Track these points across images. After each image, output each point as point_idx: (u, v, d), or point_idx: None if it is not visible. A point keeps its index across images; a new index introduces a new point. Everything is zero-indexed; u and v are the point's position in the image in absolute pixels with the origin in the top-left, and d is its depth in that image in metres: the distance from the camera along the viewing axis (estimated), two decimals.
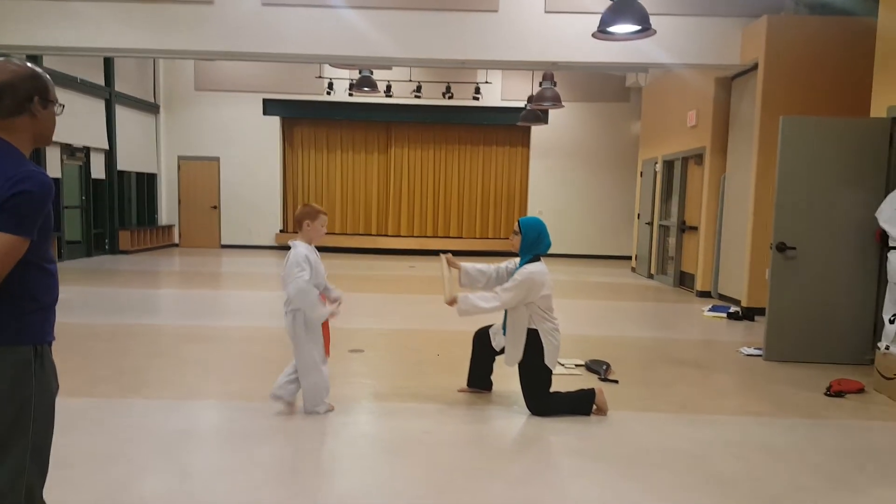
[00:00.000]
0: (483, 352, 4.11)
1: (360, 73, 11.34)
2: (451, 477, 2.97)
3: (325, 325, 3.71)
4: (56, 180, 11.19)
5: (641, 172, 11.87)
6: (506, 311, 3.90)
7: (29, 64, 1.92)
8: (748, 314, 7.40)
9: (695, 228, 9.52)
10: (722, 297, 8.66)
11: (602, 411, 3.85)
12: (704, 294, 9.02)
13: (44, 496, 2.00)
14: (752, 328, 6.88)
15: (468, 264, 4.11)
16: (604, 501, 2.77)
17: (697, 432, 3.66)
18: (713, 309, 7.77)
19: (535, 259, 3.84)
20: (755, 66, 7.56)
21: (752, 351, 5.67)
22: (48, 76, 1.94)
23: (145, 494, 2.69)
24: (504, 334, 3.91)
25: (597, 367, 4.85)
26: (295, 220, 3.80)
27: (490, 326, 4.12)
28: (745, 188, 7.86)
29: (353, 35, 7.86)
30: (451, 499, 2.75)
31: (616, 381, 4.60)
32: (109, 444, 3.24)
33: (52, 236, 1.93)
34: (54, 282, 1.94)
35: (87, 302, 7.50)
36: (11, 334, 1.82)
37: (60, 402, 3.69)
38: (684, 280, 9.94)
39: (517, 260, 3.92)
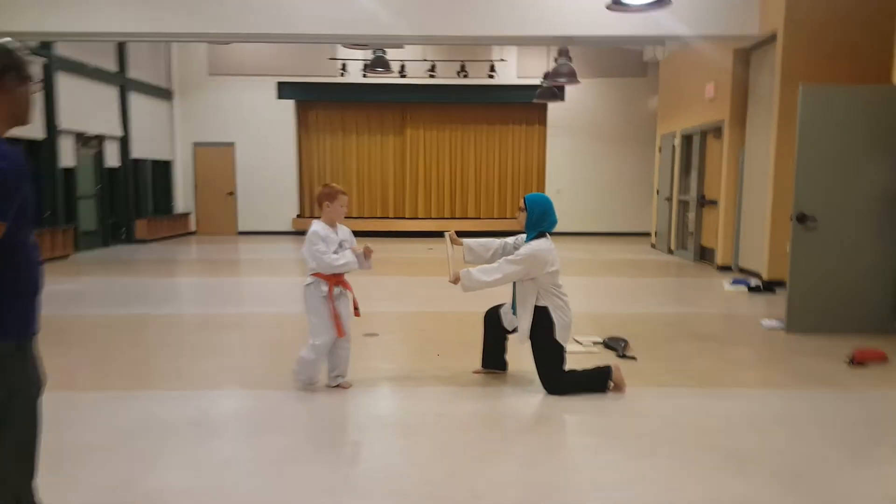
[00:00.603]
0: (494, 332, 4.09)
1: (373, 53, 11.22)
2: (464, 459, 2.96)
3: (336, 313, 3.76)
4: (70, 170, 11.02)
5: (660, 147, 11.69)
6: (514, 290, 3.87)
7: (3, 39, 1.85)
8: (769, 287, 7.29)
9: (714, 202, 9.36)
10: (742, 270, 8.54)
11: (619, 388, 3.81)
12: (725, 268, 8.90)
13: (41, 495, 1.93)
14: (773, 301, 6.78)
15: (471, 240, 4.06)
16: (620, 480, 2.75)
17: (717, 407, 3.61)
18: (734, 283, 7.66)
19: (541, 236, 3.78)
20: (774, 37, 7.35)
21: (773, 324, 5.58)
22: (25, 53, 1.86)
23: (150, 490, 2.64)
24: (514, 314, 3.88)
25: (615, 345, 4.81)
26: (316, 202, 3.82)
27: (500, 306, 4.09)
28: (764, 160, 7.70)
29: (364, 14, 7.76)
30: (464, 481, 2.74)
31: (634, 358, 4.56)
32: (116, 437, 3.19)
33: (31, 219, 1.83)
34: (37, 270, 1.85)
35: (101, 293, 7.50)
36: None
37: (69, 397, 3.81)
38: (704, 255, 9.81)
39: (524, 236, 3.88)
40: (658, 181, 11.78)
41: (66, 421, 3.38)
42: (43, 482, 2.58)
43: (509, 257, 3.75)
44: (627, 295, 7.33)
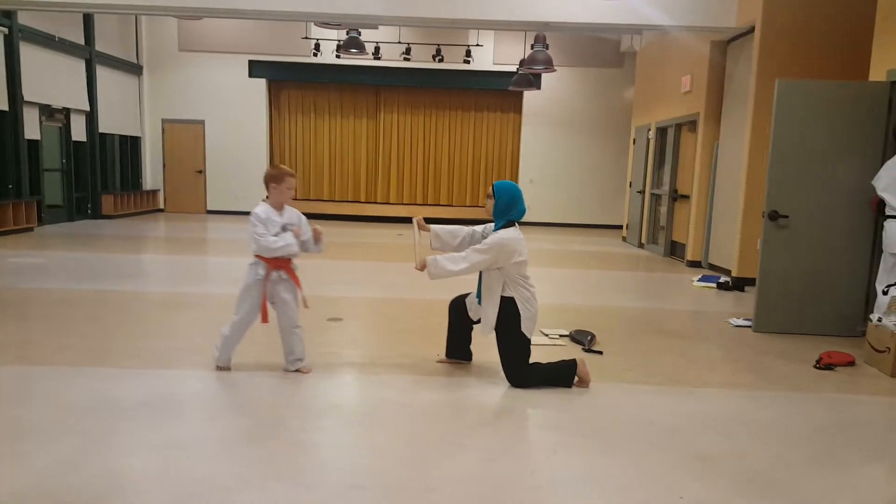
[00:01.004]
0: (459, 321, 3.97)
1: (347, 33, 10.97)
2: (424, 451, 2.85)
3: (263, 302, 3.69)
4: (35, 142, 10.90)
5: (634, 140, 11.66)
6: (479, 280, 3.76)
7: None
8: (738, 284, 7.30)
9: (686, 197, 9.36)
10: (712, 266, 8.56)
11: (584, 383, 3.73)
12: (695, 264, 8.91)
13: None
14: (741, 299, 6.78)
15: (438, 227, 3.96)
16: (580, 477, 2.66)
17: (681, 405, 3.55)
18: (703, 279, 7.66)
19: (510, 225, 3.67)
20: (752, 30, 7.31)
21: (741, 322, 5.56)
22: None
23: (96, 472, 2.54)
24: (479, 303, 3.77)
25: (581, 338, 4.73)
26: (263, 183, 3.71)
27: (467, 295, 3.97)
28: (738, 155, 7.68)
29: None
30: (420, 473, 2.64)
31: (600, 353, 4.49)
32: (65, 416, 3.09)
33: None
34: None
35: (63, 267, 7.34)
36: None
37: (22, 371, 3.68)
38: (675, 250, 9.83)
39: (493, 225, 3.76)
40: (631, 174, 11.76)
41: (17, 396, 3.35)
42: None
43: (477, 246, 3.63)
44: (595, 288, 7.28)
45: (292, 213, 3.79)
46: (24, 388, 3.45)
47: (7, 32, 10.08)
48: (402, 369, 3.98)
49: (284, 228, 3.69)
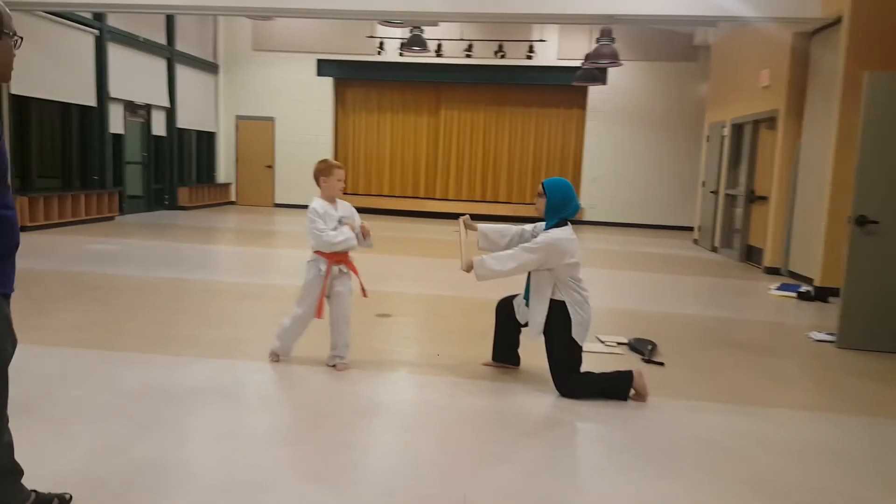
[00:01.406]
0: (507, 323, 3.78)
1: (410, 32, 10.94)
2: (461, 459, 2.70)
3: (321, 293, 3.65)
4: (119, 136, 11.49)
5: (708, 137, 11.09)
6: (528, 281, 3.56)
7: None
8: (821, 295, 6.75)
9: (765, 199, 8.79)
10: (793, 274, 7.98)
11: (641, 396, 3.47)
12: (773, 271, 8.35)
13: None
14: (824, 310, 6.27)
15: (486, 226, 3.79)
16: (630, 502, 2.44)
17: (750, 427, 3.23)
18: (782, 287, 7.15)
19: (562, 224, 3.46)
20: (839, 20, 6.76)
21: (823, 336, 5.11)
22: (4, 7, 1.75)
23: (135, 459, 2.56)
24: (527, 305, 3.57)
25: (641, 347, 4.44)
26: (313, 178, 3.69)
27: (515, 296, 3.78)
28: (823, 155, 7.13)
29: None
30: (457, 484, 2.48)
31: (662, 364, 4.20)
32: (117, 400, 3.15)
33: (5, 180, 1.74)
34: (10, 229, 1.76)
35: (136, 254, 7.69)
36: None
37: (82, 353, 3.77)
38: (751, 255, 9.25)
39: (543, 223, 3.56)
40: (704, 173, 11.19)
41: (76, 377, 3.46)
42: (36, 438, 2.66)
43: (525, 245, 3.44)
44: (661, 293, 6.89)
45: (345, 207, 3.77)
46: (83, 370, 3.57)
47: (98, 34, 10.65)
48: (447, 370, 3.83)
49: (340, 222, 3.66)
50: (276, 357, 3.81)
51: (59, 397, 3.16)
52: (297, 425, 3.01)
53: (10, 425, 1.94)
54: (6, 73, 1.77)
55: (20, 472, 1.97)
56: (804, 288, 7.01)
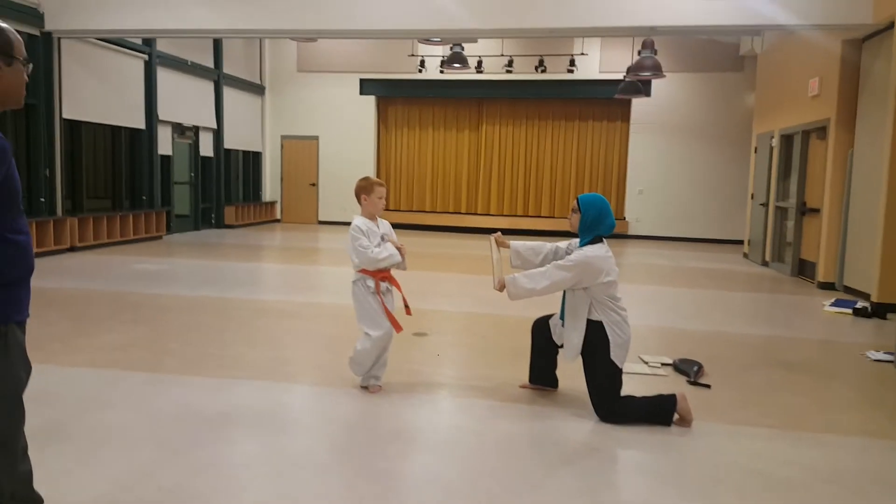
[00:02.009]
0: (543, 345, 3.70)
1: (450, 49, 11.02)
2: (494, 488, 2.63)
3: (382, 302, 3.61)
4: (167, 157, 11.85)
5: (756, 148, 10.78)
6: (563, 300, 3.49)
7: None
8: (879, 311, 6.44)
9: (817, 211, 8.47)
10: (848, 289, 7.64)
11: (685, 421, 3.34)
12: (827, 286, 8.01)
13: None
14: (882, 328, 5.97)
15: (519, 243, 3.71)
16: None
17: (802, 455, 3.08)
18: (836, 303, 6.86)
19: (597, 240, 3.38)
20: (891, 25, 6.49)
21: (881, 356, 4.86)
22: (14, 32, 1.77)
23: (163, 486, 2.56)
24: (563, 326, 3.50)
25: (687, 368, 4.29)
26: (354, 196, 3.71)
27: (551, 316, 3.71)
28: (877, 165, 6.83)
29: (437, 8, 7.64)
30: None
31: (708, 386, 4.05)
32: (150, 424, 3.18)
33: (18, 204, 1.75)
34: (23, 255, 1.76)
35: (182, 273, 7.90)
36: None
37: (118, 375, 3.86)
38: (804, 269, 8.92)
39: (578, 240, 3.49)
40: (753, 185, 10.87)
41: (111, 400, 3.49)
42: (65, 465, 2.67)
43: (559, 262, 3.37)
44: (709, 310, 6.68)
45: (385, 224, 3.77)
46: (121, 392, 3.62)
47: (147, 59, 11.08)
48: (482, 393, 3.78)
49: (383, 239, 3.67)
50: (375, 388, 3.69)
51: (93, 421, 3.19)
52: (330, 450, 2.99)
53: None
54: (18, 98, 1.79)
55: (39, 502, 1.95)
56: (860, 304, 6.71)
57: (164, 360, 4.23)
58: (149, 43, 11.04)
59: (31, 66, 1.84)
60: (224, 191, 13.70)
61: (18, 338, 1.78)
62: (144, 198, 11.25)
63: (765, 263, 10.10)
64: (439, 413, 3.54)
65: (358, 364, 3.70)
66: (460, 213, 14.75)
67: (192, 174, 12.86)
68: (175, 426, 3.17)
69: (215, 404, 3.47)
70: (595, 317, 3.35)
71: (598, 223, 3.37)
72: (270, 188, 15.53)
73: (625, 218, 13.67)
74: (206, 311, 5.72)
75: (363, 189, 3.68)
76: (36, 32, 8.61)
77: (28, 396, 1.85)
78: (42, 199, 8.98)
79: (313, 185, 15.22)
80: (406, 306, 3.79)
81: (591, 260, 3.29)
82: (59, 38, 8.95)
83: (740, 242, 12.04)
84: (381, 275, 3.65)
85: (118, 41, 10.27)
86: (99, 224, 9.83)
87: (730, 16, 6.81)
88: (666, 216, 13.59)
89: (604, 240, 3.41)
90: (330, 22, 8.03)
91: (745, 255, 11.06)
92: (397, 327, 3.63)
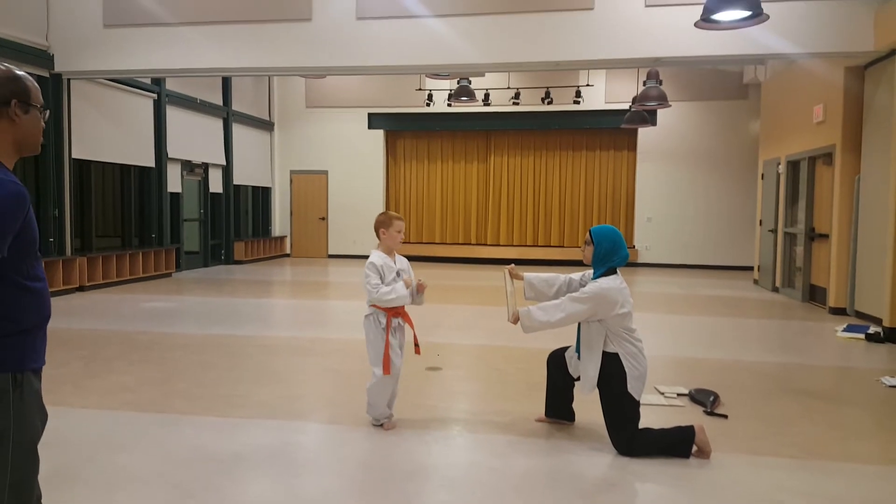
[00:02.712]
0: (559, 377, 3.69)
1: (457, 83, 11.21)
2: None
3: (386, 347, 3.59)
4: (176, 194, 11.95)
5: (762, 175, 10.83)
6: (578, 332, 3.49)
7: (8, 66, 1.79)
8: (892, 336, 6.40)
9: (825, 236, 8.47)
10: (859, 314, 7.60)
11: (704, 453, 3.31)
12: (838, 311, 7.97)
13: None
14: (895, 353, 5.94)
15: (532, 275, 3.72)
16: None
17: (825, 485, 3.04)
18: (848, 329, 6.81)
19: (611, 272, 3.40)
20: (893, 52, 6.57)
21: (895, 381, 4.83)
22: (31, 80, 1.82)
23: None
24: (578, 358, 3.50)
25: (703, 398, 4.27)
26: (374, 230, 3.72)
27: (566, 349, 3.71)
28: (884, 189, 6.85)
29: (444, 44, 7.75)
30: None
31: (725, 416, 4.02)
32: (164, 466, 3.17)
33: (35, 251, 1.77)
34: (40, 302, 1.77)
35: (191, 311, 7.87)
36: None
37: (130, 417, 3.86)
38: (814, 294, 8.88)
39: (591, 272, 3.51)
40: (761, 211, 10.88)
41: (123, 442, 3.48)
42: None
43: (574, 294, 3.38)
44: (721, 338, 6.65)
45: (402, 261, 3.78)
46: (132, 434, 3.60)
47: (156, 98, 11.29)
48: (498, 428, 3.76)
49: (398, 275, 3.67)
50: (390, 425, 3.68)
51: (104, 464, 3.17)
52: (347, 491, 2.97)
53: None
54: (35, 145, 1.82)
55: None
56: (872, 329, 6.66)
57: (174, 401, 4.21)
58: (158, 82, 11.22)
59: (48, 112, 1.87)
60: (233, 226, 13.77)
61: (34, 385, 1.77)
62: (153, 235, 11.28)
63: (775, 289, 10.06)
64: (455, 449, 3.52)
65: (371, 406, 3.70)
66: (470, 244, 14.81)
67: (202, 211, 12.92)
68: (188, 468, 3.14)
69: (228, 445, 3.44)
70: (611, 349, 3.35)
71: (612, 255, 3.39)
72: (280, 223, 15.65)
73: (634, 246, 13.68)
74: (217, 350, 5.71)
75: (382, 223, 3.70)
76: (45, 74, 8.79)
77: (41, 440, 1.84)
78: (51, 240, 9.06)
79: (323, 219, 15.34)
80: (416, 345, 3.78)
81: (607, 292, 3.31)
82: (68, 80, 9.14)
83: (750, 268, 12.01)
84: (394, 311, 3.66)
85: (128, 81, 10.45)
86: (108, 263, 9.84)
87: (733, 46, 6.91)
88: (675, 243, 13.59)
89: (618, 271, 3.43)
90: (339, 59, 8.15)
91: (756, 282, 11.02)
92: (385, 369, 3.58)
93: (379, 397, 3.65)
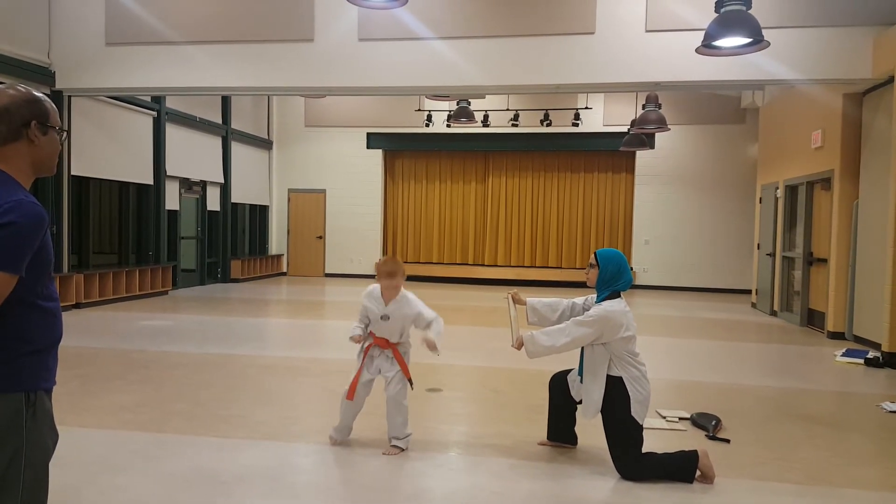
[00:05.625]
0: (562, 401, 3.67)
1: (457, 104, 11.29)
2: None
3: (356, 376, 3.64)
4: (174, 212, 11.93)
5: (760, 199, 10.89)
6: (581, 355, 3.48)
7: (28, 88, 1.80)
8: (891, 360, 6.39)
9: (824, 261, 8.50)
10: (858, 339, 7.60)
11: (707, 478, 3.29)
12: (837, 335, 7.97)
13: None
14: (895, 378, 5.91)
15: (536, 300, 3.71)
16: None
17: None
18: (847, 353, 6.81)
19: (614, 296, 3.40)
20: (891, 79, 6.66)
21: (895, 407, 4.82)
22: (50, 101, 1.83)
23: None
24: (581, 382, 3.48)
25: (705, 423, 4.24)
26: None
27: (569, 372, 3.69)
28: (882, 215, 6.89)
29: (445, 66, 7.82)
30: None
31: (727, 441, 3.99)
32: (162, 488, 3.13)
33: (50, 271, 1.77)
34: (53, 322, 1.77)
35: (188, 330, 7.79)
36: None
37: (128, 437, 3.81)
38: (813, 318, 8.88)
39: (595, 296, 3.51)
40: (759, 235, 10.93)
41: (121, 463, 3.44)
42: None
43: (578, 318, 3.37)
44: (722, 362, 6.63)
45: (397, 306, 3.60)
46: (131, 455, 3.56)
47: (156, 115, 11.32)
48: (500, 451, 3.73)
49: (382, 319, 3.61)
50: (392, 451, 3.62)
51: (104, 485, 3.14)
52: None
53: None
54: (51, 166, 1.83)
55: None
56: (871, 354, 6.66)
57: (172, 421, 4.17)
58: (158, 100, 11.26)
59: (64, 133, 1.90)
60: (231, 244, 13.74)
61: (46, 406, 1.77)
62: (151, 253, 11.20)
63: (773, 313, 10.06)
64: (457, 472, 3.48)
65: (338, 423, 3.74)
66: (467, 264, 14.80)
67: (199, 229, 12.86)
68: (187, 490, 3.11)
69: (227, 466, 3.41)
70: (615, 372, 3.34)
71: (617, 279, 3.40)
72: (277, 241, 15.63)
73: (632, 268, 13.70)
74: (214, 369, 5.66)
75: (376, 272, 3.70)
76: (46, 91, 8.81)
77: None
78: None
79: (320, 237, 15.32)
80: (409, 381, 3.68)
81: (611, 315, 3.30)
82: (69, 97, 9.17)
83: (747, 292, 12.03)
84: (381, 342, 3.64)
85: (128, 98, 10.49)
86: (105, 280, 9.77)
87: (733, 71, 6.99)
88: (673, 266, 13.62)
89: (621, 295, 3.43)
90: (341, 80, 8.21)
91: (754, 305, 11.03)
92: (349, 394, 3.61)
93: (344, 412, 3.69)
